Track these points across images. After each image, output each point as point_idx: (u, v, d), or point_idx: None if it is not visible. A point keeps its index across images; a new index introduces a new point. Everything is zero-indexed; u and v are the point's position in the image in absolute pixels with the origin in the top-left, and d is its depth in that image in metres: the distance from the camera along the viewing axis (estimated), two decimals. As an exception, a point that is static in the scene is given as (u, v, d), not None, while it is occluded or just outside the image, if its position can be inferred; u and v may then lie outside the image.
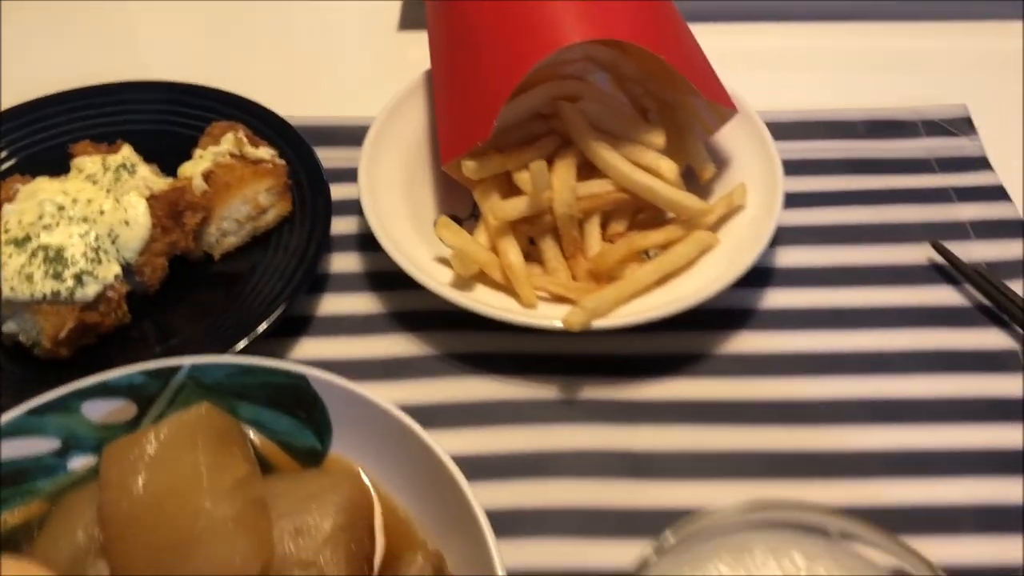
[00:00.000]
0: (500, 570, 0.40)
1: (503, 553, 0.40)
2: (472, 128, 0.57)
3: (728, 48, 0.66)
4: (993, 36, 0.77)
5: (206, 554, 0.40)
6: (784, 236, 0.62)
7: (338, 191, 0.62)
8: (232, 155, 0.61)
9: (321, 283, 0.60)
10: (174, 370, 0.48)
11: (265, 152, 0.62)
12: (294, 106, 0.68)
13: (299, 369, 0.48)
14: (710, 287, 0.54)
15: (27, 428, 0.46)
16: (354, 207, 0.62)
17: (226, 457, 0.43)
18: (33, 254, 0.53)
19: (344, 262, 0.62)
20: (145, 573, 0.40)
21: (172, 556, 0.40)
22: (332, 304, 0.59)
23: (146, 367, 0.48)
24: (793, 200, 0.63)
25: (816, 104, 0.71)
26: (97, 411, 0.47)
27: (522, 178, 0.58)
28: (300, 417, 0.48)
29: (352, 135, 0.65)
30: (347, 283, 0.60)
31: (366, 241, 0.61)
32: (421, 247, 0.59)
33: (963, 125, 0.69)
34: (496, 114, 0.55)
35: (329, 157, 0.64)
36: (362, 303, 0.59)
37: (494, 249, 0.57)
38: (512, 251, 0.56)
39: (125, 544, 0.41)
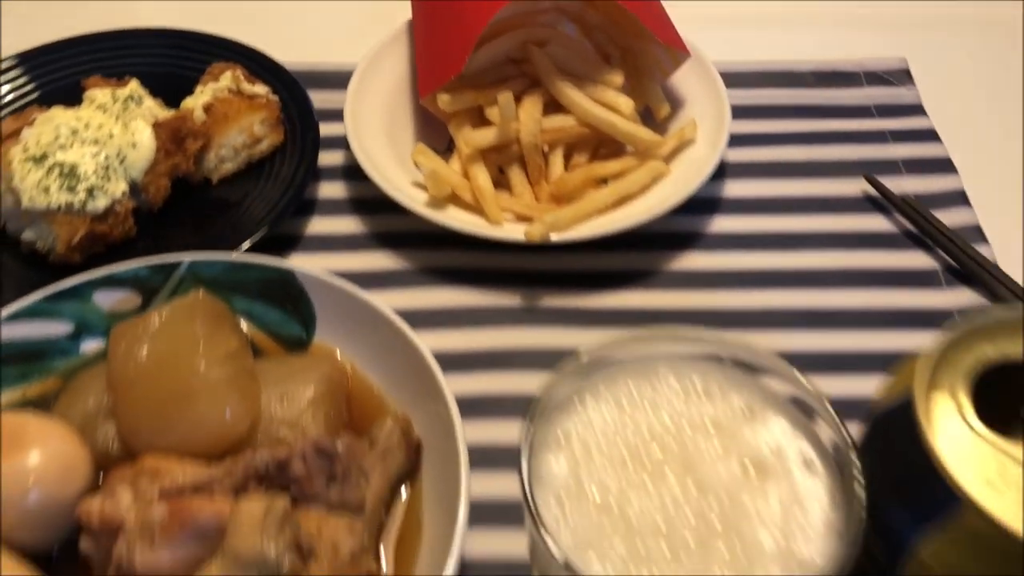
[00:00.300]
0: (460, 433, 0.46)
1: (464, 428, 0.46)
2: (447, 64, 0.63)
3: (690, 10, 0.72)
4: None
5: (201, 410, 0.46)
6: (732, 170, 0.68)
7: (326, 129, 0.68)
8: (230, 91, 0.67)
9: (309, 207, 0.66)
10: (175, 265, 0.54)
11: (260, 89, 0.68)
12: (287, 52, 0.74)
13: (287, 265, 0.54)
14: (659, 207, 0.60)
15: (44, 312, 0.52)
16: (341, 142, 0.68)
17: (220, 333, 0.49)
18: (49, 170, 0.59)
19: (331, 190, 0.67)
20: (147, 428, 0.46)
21: (171, 412, 0.46)
22: (319, 225, 0.65)
23: (150, 261, 0.54)
24: (741, 140, 0.69)
25: (770, 58, 0.77)
26: (106, 300, 0.53)
27: (492, 112, 0.64)
28: (287, 309, 0.54)
29: (340, 79, 0.70)
30: (333, 208, 0.66)
31: (351, 171, 0.67)
32: (401, 175, 0.64)
33: (902, 76, 0.75)
34: (469, 51, 0.62)
35: (319, 98, 0.70)
36: (345, 224, 0.65)
37: (466, 175, 0.63)
38: (481, 175, 0.62)
39: (129, 404, 0.47)
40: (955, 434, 0.30)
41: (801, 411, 0.35)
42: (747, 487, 0.33)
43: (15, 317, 0.51)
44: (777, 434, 0.34)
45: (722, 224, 0.65)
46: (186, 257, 0.54)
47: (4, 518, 0.43)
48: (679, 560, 0.31)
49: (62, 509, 0.44)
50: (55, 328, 0.53)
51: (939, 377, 0.31)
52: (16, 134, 0.62)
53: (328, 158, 0.69)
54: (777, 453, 0.34)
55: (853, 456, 0.32)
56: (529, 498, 0.32)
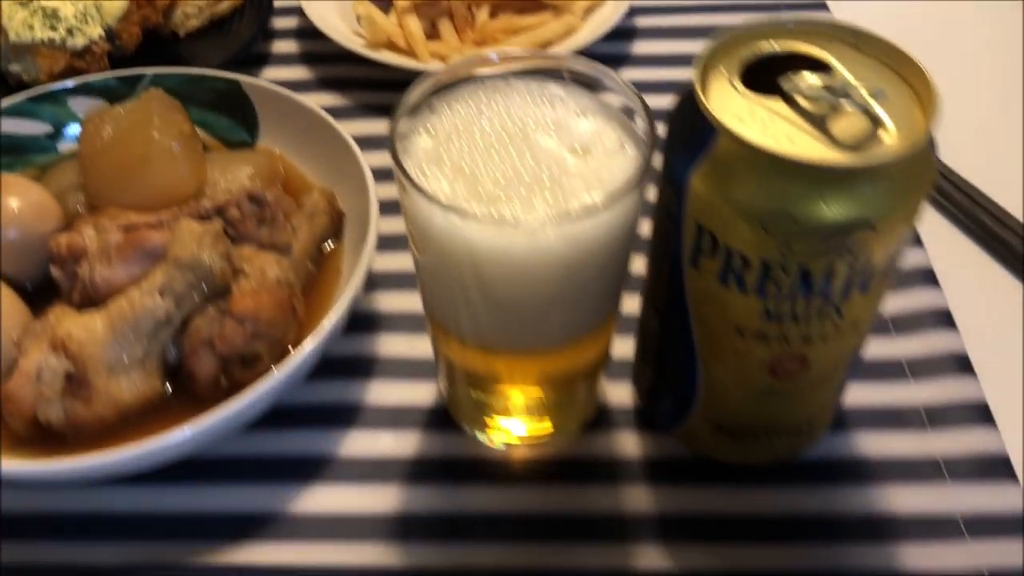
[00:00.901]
0: (373, 200, 0.54)
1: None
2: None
3: None
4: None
5: (156, 171, 0.55)
6: (640, 33, 0.77)
7: (281, 2, 0.77)
8: (196, -40, 0.76)
9: (264, 59, 0.75)
10: (140, 77, 0.62)
11: (223, -40, 0.77)
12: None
13: (235, 76, 0.62)
14: (570, 45, 0.69)
15: (27, 111, 0.61)
16: (295, 11, 0.77)
17: (174, 120, 0.57)
18: (33, 12, 0.68)
19: (284, 46, 0.76)
20: (109, 188, 0.55)
21: (130, 174, 0.55)
22: (272, 74, 0.74)
23: (118, 73, 0.63)
24: (650, 10, 0.78)
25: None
26: (80, 106, 0.62)
27: (426, -28, 0.73)
28: (235, 116, 0.63)
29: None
30: (285, 60, 0.75)
31: (302, 32, 0.76)
32: (345, 31, 0.73)
33: (817, 9, 0.82)
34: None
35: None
36: (296, 72, 0.74)
37: (401, 26, 0.72)
38: (413, 22, 0.71)
39: (95, 171, 0.56)
40: (720, 93, 0.38)
41: (626, 114, 0.43)
42: (572, 158, 0.41)
43: (1, 114, 0.60)
44: (602, 127, 0.43)
45: (630, 74, 0.73)
46: (149, 71, 0.62)
47: (-13, 247, 0.51)
48: (512, 200, 0.39)
49: (37, 243, 0.52)
50: (36, 128, 0.61)
51: (714, 62, 0.40)
52: (6, -11, 0.71)
53: (283, 23, 0.78)
54: (599, 138, 0.42)
55: (652, 134, 0.40)
56: (398, 160, 0.40)
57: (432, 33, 0.73)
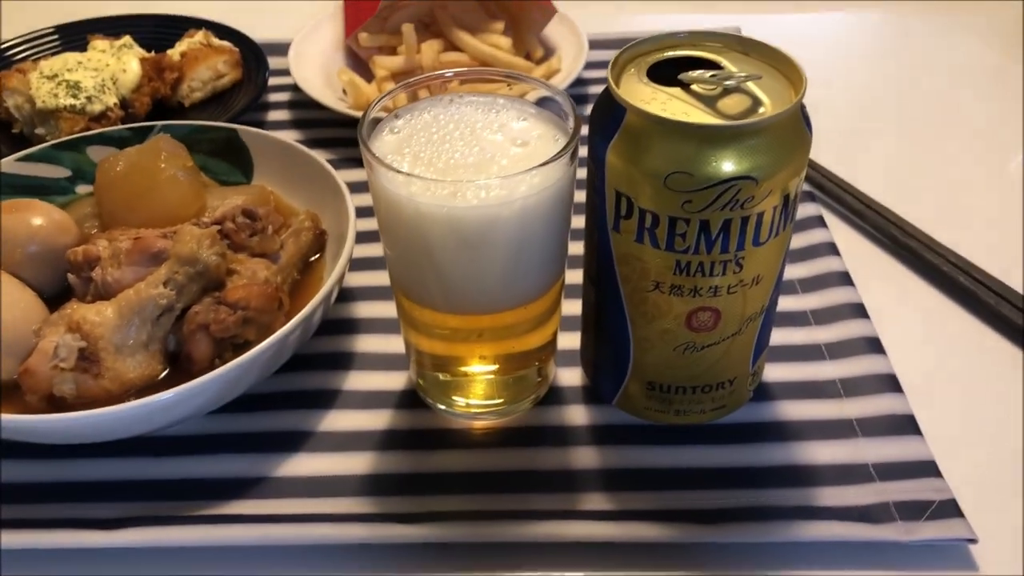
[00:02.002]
0: (351, 222, 0.62)
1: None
2: (365, 10, 0.83)
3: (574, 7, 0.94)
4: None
5: (162, 195, 0.63)
6: (591, 99, 0.87)
7: (276, 80, 0.88)
8: (202, 44, 0.86)
9: (260, 125, 0.84)
10: (151, 127, 0.71)
11: (225, 44, 0.87)
12: (250, 31, 0.94)
13: (233, 126, 0.71)
14: (525, 105, 0.79)
15: (50, 158, 0.69)
16: (288, 87, 0.87)
17: (178, 157, 0.66)
18: (58, 84, 0.78)
19: (278, 115, 0.86)
20: (122, 211, 0.63)
21: (139, 200, 0.63)
22: (267, 137, 0.83)
23: (131, 126, 0.71)
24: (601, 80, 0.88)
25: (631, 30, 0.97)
26: (97, 154, 0.71)
27: (401, 48, 0.83)
28: (233, 161, 0.71)
29: (287, 48, 0.90)
30: (278, 126, 0.85)
31: (293, 103, 0.86)
32: (331, 99, 0.83)
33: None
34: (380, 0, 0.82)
35: (272, 62, 0.90)
36: (289, 135, 0.83)
37: (380, 91, 0.82)
38: (390, 87, 0.80)
39: (109, 198, 0.64)
40: (629, 85, 0.47)
41: (559, 116, 0.51)
42: (514, 148, 0.49)
43: (28, 159, 0.68)
44: (539, 126, 0.51)
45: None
46: (159, 123, 0.72)
47: (12, 257, 0.59)
48: (460, 174, 0.47)
49: (56, 256, 0.60)
50: (57, 172, 0.70)
51: (626, 64, 0.48)
52: (36, 68, 0.81)
53: (276, 96, 0.88)
54: (537, 134, 0.50)
55: (576, 121, 0.48)
56: (366, 143, 0.48)
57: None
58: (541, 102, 0.53)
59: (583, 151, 0.48)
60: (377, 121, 0.50)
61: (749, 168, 0.43)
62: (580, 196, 0.50)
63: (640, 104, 0.45)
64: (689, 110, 0.45)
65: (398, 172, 0.46)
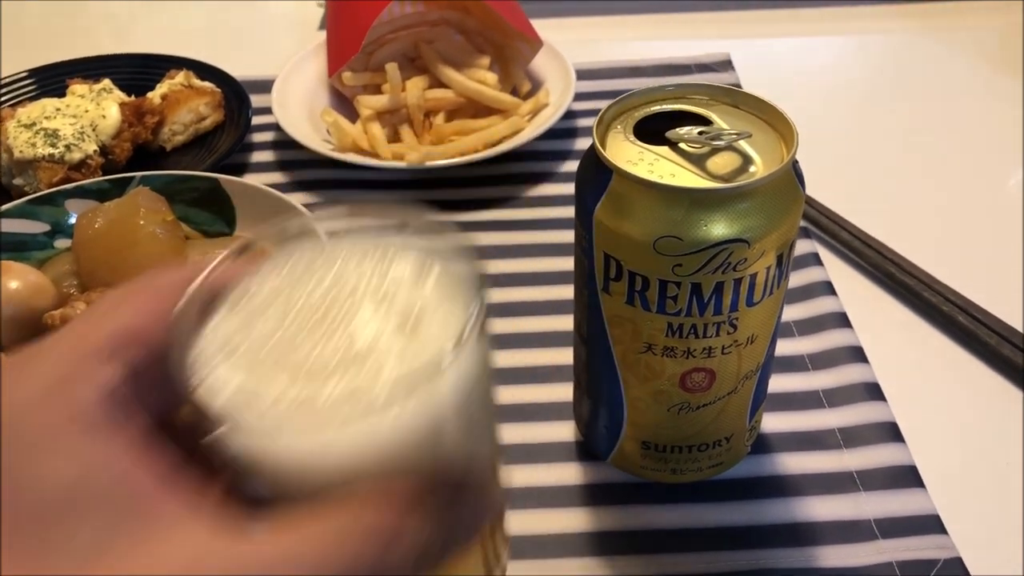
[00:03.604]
0: None
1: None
2: (348, 47, 0.81)
3: (562, 30, 0.92)
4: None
5: (141, 252, 0.61)
6: (581, 132, 0.86)
7: (259, 119, 0.86)
8: (183, 85, 0.85)
9: (243, 168, 0.83)
10: (130, 179, 0.70)
11: (207, 85, 0.86)
12: (232, 68, 0.92)
13: (214, 175, 0.70)
14: (515, 142, 0.78)
15: (27, 213, 0.68)
16: (272, 126, 0.86)
17: (158, 211, 0.65)
18: (36, 132, 0.76)
19: (262, 156, 0.85)
20: (101, 270, 0.62)
21: (118, 257, 0.61)
22: (252, 180, 0.81)
23: (110, 178, 0.70)
24: (589, 112, 0.87)
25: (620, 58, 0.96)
26: (76, 207, 0.69)
27: (385, 86, 0.82)
28: (214, 211, 0.70)
29: (270, 85, 0.89)
30: (262, 168, 0.83)
31: (277, 144, 0.85)
32: (315, 140, 0.82)
33: (724, 65, 0.93)
34: (363, 37, 0.80)
35: (255, 99, 0.88)
36: (271, 178, 0.82)
37: (365, 131, 0.80)
38: (376, 127, 0.79)
39: (87, 256, 0.62)
40: (615, 144, 0.45)
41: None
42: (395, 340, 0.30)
43: (4, 215, 0.67)
44: (441, 296, 0.32)
45: (569, 166, 0.82)
46: (138, 174, 0.70)
47: (-11, 323, 0.57)
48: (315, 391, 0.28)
49: (33, 319, 0.58)
50: (35, 227, 0.68)
51: (612, 121, 0.47)
52: (13, 115, 0.80)
53: (260, 137, 0.86)
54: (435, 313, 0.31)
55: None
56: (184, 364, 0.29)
57: (393, 138, 0.81)
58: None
59: (568, 213, 0.47)
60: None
61: (741, 231, 0.42)
62: (572, 240, 0.48)
63: (627, 166, 0.43)
64: (677, 171, 0.44)
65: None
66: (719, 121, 0.46)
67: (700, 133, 0.45)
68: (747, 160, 0.44)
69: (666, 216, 0.43)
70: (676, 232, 0.42)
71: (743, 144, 0.45)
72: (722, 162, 0.44)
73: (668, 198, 0.42)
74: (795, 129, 0.44)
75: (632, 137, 0.46)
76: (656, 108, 0.48)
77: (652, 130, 0.46)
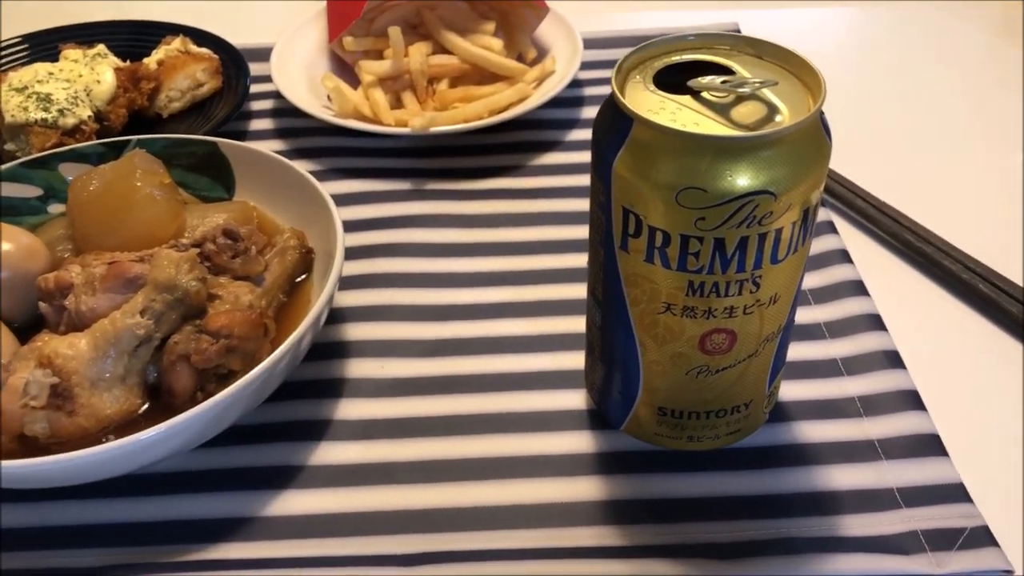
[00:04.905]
0: (340, 238, 0.58)
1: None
2: (349, 13, 0.79)
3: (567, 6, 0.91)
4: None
5: (138, 215, 0.59)
6: (588, 100, 0.84)
7: (258, 87, 0.84)
8: (179, 51, 0.83)
9: (242, 136, 0.81)
10: (126, 143, 0.68)
11: (204, 51, 0.84)
12: (230, 37, 0.90)
13: (212, 139, 0.68)
14: (521, 108, 0.75)
15: (20, 176, 0.66)
16: (272, 94, 0.83)
17: (155, 173, 0.62)
18: (28, 96, 0.74)
19: (260, 124, 0.82)
20: (96, 232, 0.59)
21: (114, 220, 0.59)
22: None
23: (105, 141, 0.68)
24: (596, 82, 0.85)
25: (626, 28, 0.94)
26: (70, 171, 0.67)
27: (388, 52, 0.80)
28: (213, 176, 0.68)
29: (268, 54, 0.86)
30: (261, 135, 0.81)
31: (276, 111, 0.83)
32: (315, 106, 0.79)
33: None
34: (364, 2, 0.78)
35: (253, 67, 0.86)
36: (272, 145, 0.79)
37: (367, 97, 0.78)
38: (378, 93, 0.77)
39: (83, 218, 0.60)
40: (635, 93, 0.43)
41: None
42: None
43: (-4, 178, 0.65)
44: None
45: (577, 135, 0.80)
46: (134, 138, 0.68)
47: (-20, 286, 0.55)
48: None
49: (26, 283, 0.56)
50: (28, 191, 0.66)
51: (631, 71, 0.45)
52: (4, 79, 0.78)
53: (259, 104, 0.84)
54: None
55: None
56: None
57: (395, 104, 0.79)
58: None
59: (586, 163, 0.45)
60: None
61: (767, 182, 0.40)
62: (585, 209, 0.46)
63: (648, 115, 0.41)
64: (701, 120, 0.42)
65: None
66: (740, 69, 0.44)
67: (723, 82, 0.43)
68: (773, 110, 0.42)
69: (690, 166, 0.41)
70: (700, 183, 0.41)
71: (768, 94, 0.43)
72: (747, 111, 0.42)
73: (692, 147, 0.41)
74: (822, 79, 0.42)
75: (652, 87, 0.44)
76: (677, 58, 0.46)
77: (673, 81, 0.44)
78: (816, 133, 0.42)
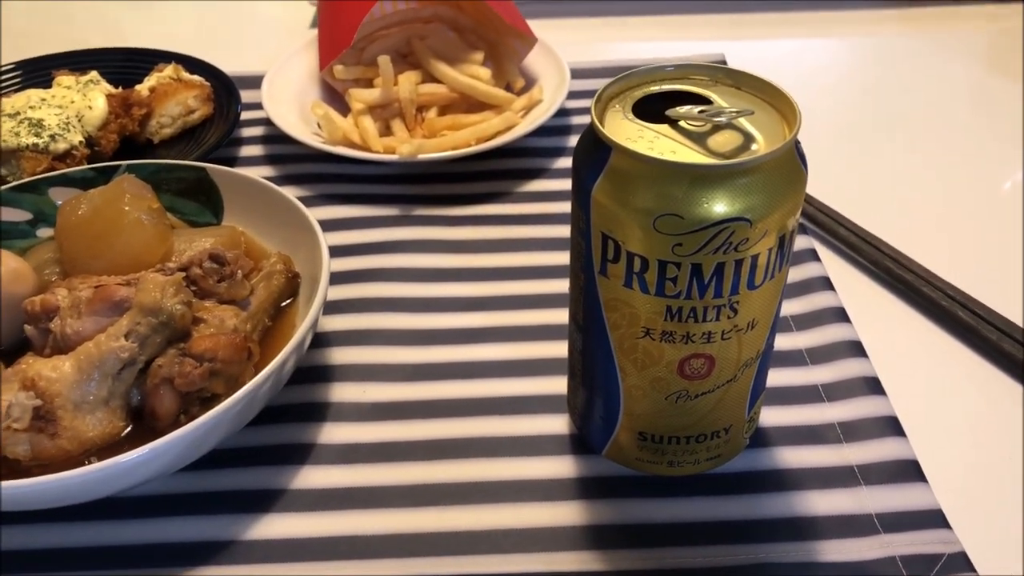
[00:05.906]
0: (326, 264, 0.59)
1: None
2: (340, 41, 0.80)
3: (560, 29, 0.92)
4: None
5: (126, 240, 0.60)
6: (575, 129, 0.85)
7: (249, 115, 0.85)
8: (171, 78, 0.84)
9: (232, 162, 0.81)
10: (115, 167, 0.68)
11: (196, 78, 0.85)
12: (222, 66, 0.91)
13: (201, 164, 0.68)
14: (509, 136, 0.76)
15: (10, 200, 0.66)
16: (262, 121, 0.84)
17: (143, 198, 0.63)
18: (20, 122, 0.75)
19: (250, 150, 0.83)
20: (83, 256, 0.60)
21: (102, 244, 0.60)
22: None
23: (95, 166, 0.68)
24: (582, 111, 0.86)
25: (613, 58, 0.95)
26: (59, 196, 0.68)
27: (378, 81, 0.81)
28: (202, 201, 0.68)
29: (260, 82, 0.87)
30: (251, 162, 0.82)
31: (267, 138, 0.84)
32: (305, 134, 0.80)
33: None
34: (355, 31, 0.79)
35: (245, 95, 0.87)
36: (262, 171, 0.80)
37: (356, 125, 0.79)
38: (367, 121, 0.78)
39: (70, 242, 0.60)
40: (614, 122, 0.44)
41: None
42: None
43: (-15, 203, 0.65)
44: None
45: (562, 163, 0.80)
46: (124, 162, 0.69)
47: (-34, 309, 0.56)
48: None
49: (12, 306, 0.57)
50: (17, 215, 0.67)
51: (610, 100, 0.46)
52: (-4, 105, 0.78)
53: (249, 131, 0.85)
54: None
55: None
56: None
57: (385, 132, 0.80)
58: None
59: (562, 209, 0.46)
60: None
61: (743, 209, 0.41)
62: (566, 235, 0.47)
63: (626, 143, 0.42)
64: (678, 148, 0.42)
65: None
66: (719, 100, 0.45)
67: (701, 111, 0.44)
68: (749, 138, 0.43)
69: (667, 193, 0.41)
70: (677, 210, 0.41)
71: (745, 123, 0.44)
72: (723, 140, 0.43)
73: (669, 174, 0.41)
74: (798, 108, 0.43)
75: (631, 116, 0.45)
76: (656, 88, 0.47)
77: (651, 110, 0.45)
78: (791, 161, 0.43)
